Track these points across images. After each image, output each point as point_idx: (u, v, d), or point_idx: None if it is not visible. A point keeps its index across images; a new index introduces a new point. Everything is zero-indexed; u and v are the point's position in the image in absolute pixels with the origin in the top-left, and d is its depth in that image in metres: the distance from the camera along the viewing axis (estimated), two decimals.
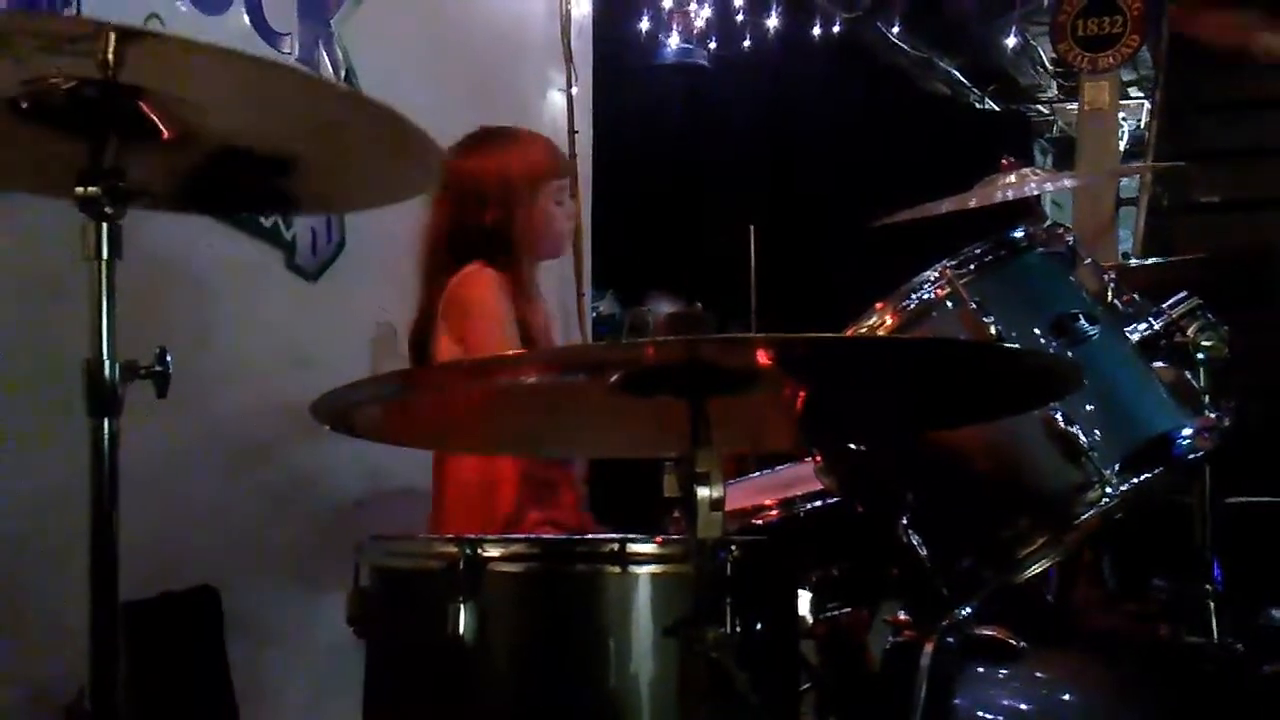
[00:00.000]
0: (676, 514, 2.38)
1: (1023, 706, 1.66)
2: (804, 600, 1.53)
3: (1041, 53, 6.33)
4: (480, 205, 2.23)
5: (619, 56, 3.94)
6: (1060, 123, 7.64)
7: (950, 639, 1.66)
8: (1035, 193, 2.81)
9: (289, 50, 2.66)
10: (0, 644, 2.05)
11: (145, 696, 2.04)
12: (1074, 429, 1.49)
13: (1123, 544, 2.03)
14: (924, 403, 1.37)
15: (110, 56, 1.09)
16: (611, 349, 1.16)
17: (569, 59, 3.58)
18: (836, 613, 2.00)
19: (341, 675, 2.57)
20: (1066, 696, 1.68)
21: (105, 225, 1.21)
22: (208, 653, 2.37)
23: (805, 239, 4.37)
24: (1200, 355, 1.67)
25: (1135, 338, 1.65)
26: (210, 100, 1.22)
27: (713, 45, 4.69)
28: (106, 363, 1.21)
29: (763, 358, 1.16)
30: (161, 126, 1.25)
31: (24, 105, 1.21)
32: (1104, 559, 2.14)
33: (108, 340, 1.21)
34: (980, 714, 1.63)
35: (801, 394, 1.35)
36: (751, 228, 3.04)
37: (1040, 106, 7.39)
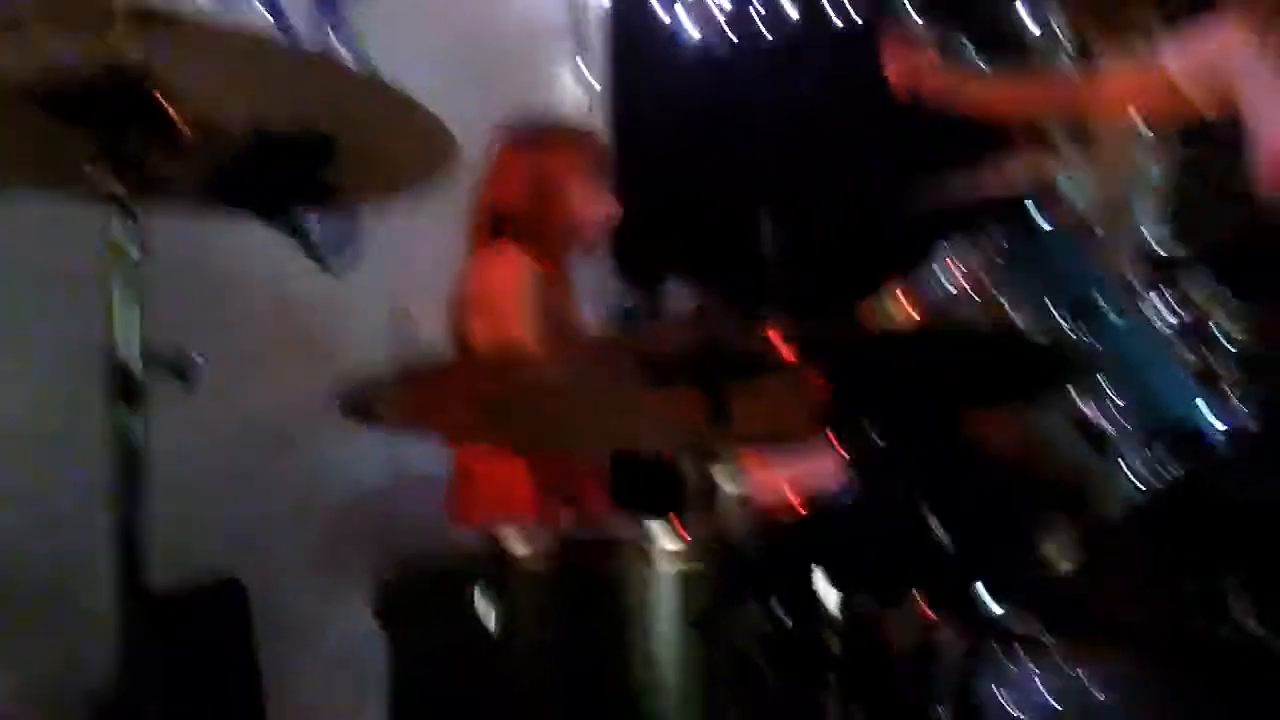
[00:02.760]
0: (698, 506, 2.39)
1: (1048, 700, 1.64)
2: (828, 593, 1.51)
3: (1057, 28, 6.26)
4: (513, 192, 2.31)
5: (636, 44, 3.93)
6: None
7: (975, 632, 1.65)
8: (1053, 175, 2.78)
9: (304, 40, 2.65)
10: (30, 636, 2.06)
11: (172, 690, 2.05)
12: (1099, 416, 1.48)
13: (1154, 536, 2.00)
14: (941, 391, 1.35)
15: (123, 41, 1.08)
16: (628, 338, 1.15)
17: (586, 48, 3.58)
18: (859, 606, 1.99)
19: (368, 668, 2.59)
20: (1094, 690, 1.67)
21: (128, 217, 1.20)
22: (235, 646, 2.37)
23: (823, 226, 4.34)
24: (1224, 341, 1.65)
25: (1159, 323, 1.63)
26: (231, 90, 1.21)
27: (731, 32, 4.67)
28: (131, 354, 1.21)
29: (775, 342, 1.15)
30: (179, 123, 1.24)
31: (38, 93, 1.20)
32: (1134, 552, 2.12)
33: (132, 332, 1.21)
34: (1005, 708, 1.62)
35: (822, 384, 1.34)
36: (763, 214, 3.04)
37: None
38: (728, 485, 1.14)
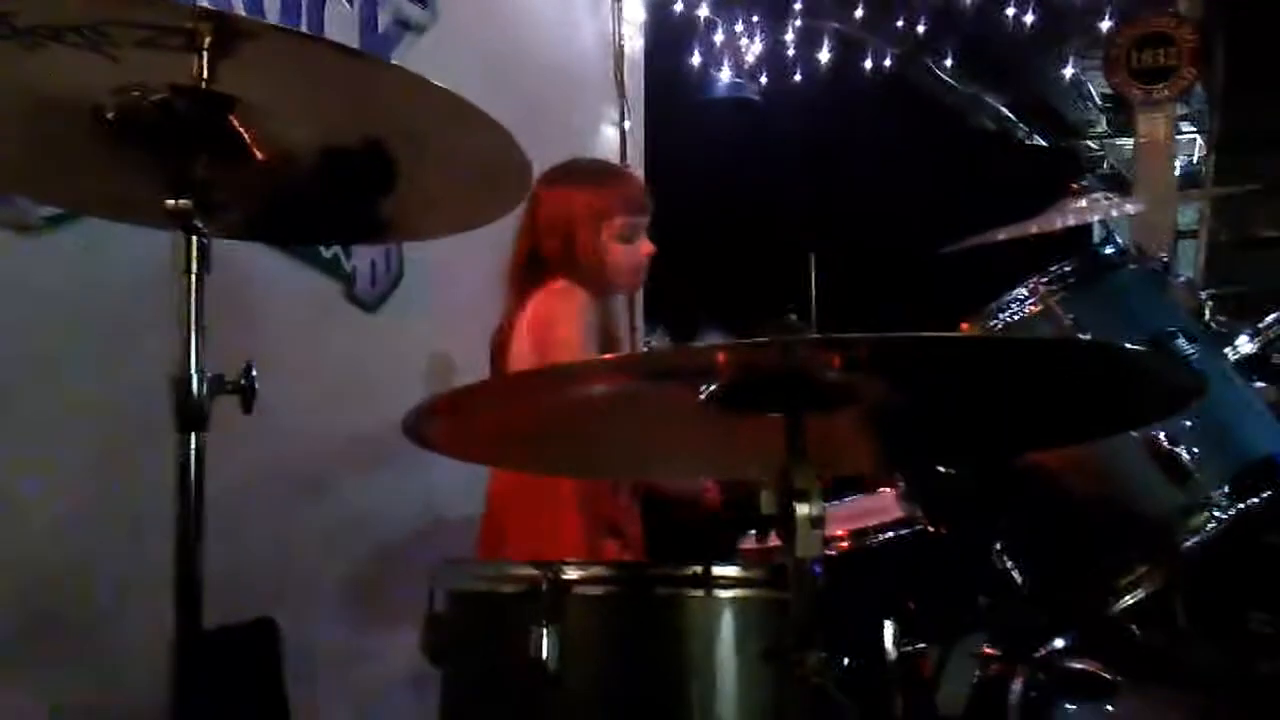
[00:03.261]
0: (742, 544, 2.34)
1: None
2: (886, 632, 1.46)
3: (1092, 88, 6.30)
4: (547, 233, 2.28)
5: (671, 91, 3.95)
6: (1111, 159, 7.57)
7: (1041, 673, 1.59)
8: (1102, 218, 2.76)
9: None
10: (67, 665, 2.03)
11: None
12: (1179, 449, 1.44)
13: (1225, 573, 1.95)
14: (1025, 419, 1.32)
15: (205, 59, 1.07)
16: (706, 352, 1.11)
17: (622, 94, 3.59)
18: (910, 648, 1.94)
19: (402, 710, 2.54)
20: None
21: (195, 239, 1.19)
22: (266, 687, 2.33)
23: (858, 273, 4.33)
24: None
25: (1233, 357, 1.60)
26: (302, 109, 1.20)
27: (764, 80, 4.72)
28: (194, 377, 1.19)
29: (864, 360, 1.12)
30: (252, 145, 1.22)
31: (110, 117, 1.19)
32: (1204, 590, 2.06)
33: (196, 355, 1.19)
34: None
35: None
36: (811, 255, 3.03)
37: (1089, 142, 7.35)
38: (805, 511, 1.10)
